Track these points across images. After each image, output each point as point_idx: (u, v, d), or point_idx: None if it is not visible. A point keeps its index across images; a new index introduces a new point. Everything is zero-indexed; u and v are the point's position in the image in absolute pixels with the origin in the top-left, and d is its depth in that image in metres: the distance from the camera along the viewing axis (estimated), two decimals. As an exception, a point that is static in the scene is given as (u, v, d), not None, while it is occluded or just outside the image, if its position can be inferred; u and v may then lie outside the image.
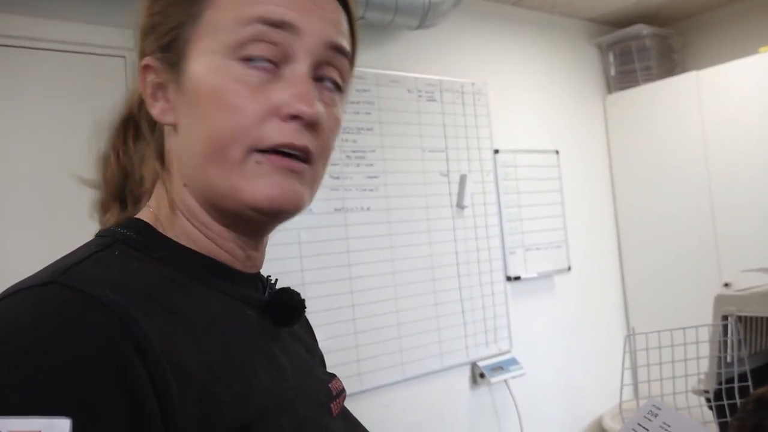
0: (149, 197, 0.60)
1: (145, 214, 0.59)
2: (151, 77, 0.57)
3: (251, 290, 0.61)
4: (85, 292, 0.45)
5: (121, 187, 0.63)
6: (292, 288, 0.65)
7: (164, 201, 0.58)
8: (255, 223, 0.58)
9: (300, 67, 0.54)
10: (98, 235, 0.57)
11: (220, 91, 0.52)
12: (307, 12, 0.54)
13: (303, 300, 0.65)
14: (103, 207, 0.63)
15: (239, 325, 0.56)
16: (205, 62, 0.54)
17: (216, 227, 0.58)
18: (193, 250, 0.57)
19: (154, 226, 0.57)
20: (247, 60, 0.53)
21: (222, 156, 0.53)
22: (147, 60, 0.57)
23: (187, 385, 0.46)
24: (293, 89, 0.53)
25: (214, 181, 0.54)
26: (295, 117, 0.53)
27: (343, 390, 0.69)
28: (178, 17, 0.56)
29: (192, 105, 0.54)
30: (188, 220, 0.58)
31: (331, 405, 0.63)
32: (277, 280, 0.69)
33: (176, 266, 0.55)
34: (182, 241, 0.57)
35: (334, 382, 0.68)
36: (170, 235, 0.57)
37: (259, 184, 0.53)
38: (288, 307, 0.63)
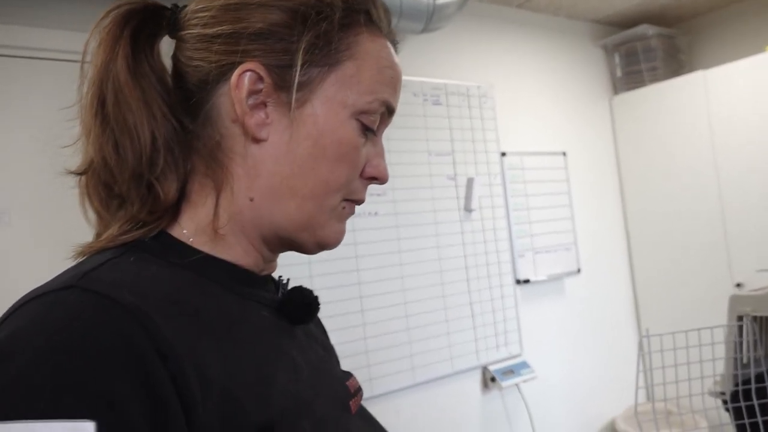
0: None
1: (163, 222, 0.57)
2: (253, 85, 0.56)
3: (266, 292, 0.62)
4: (105, 295, 0.45)
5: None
6: (304, 286, 0.66)
7: (204, 209, 0.57)
8: (301, 249, 0.61)
9: (380, 137, 0.63)
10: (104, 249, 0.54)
11: (346, 147, 0.58)
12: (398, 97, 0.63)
13: (316, 297, 0.65)
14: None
15: (257, 327, 0.57)
16: (335, 112, 0.57)
17: (257, 242, 0.59)
18: (213, 256, 0.57)
19: (170, 232, 0.57)
20: (364, 126, 0.59)
21: (326, 198, 0.58)
22: (255, 66, 0.55)
23: (209, 387, 0.46)
24: (381, 160, 0.62)
25: (305, 214, 0.58)
26: (375, 179, 0.62)
27: (360, 388, 0.69)
28: (317, 56, 0.56)
29: (311, 142, 0.57)
30: (230, 229, 0.58)
31: (350, 403, 0.64)
32: (288, 279, 0.69)
33: (194, 270, 0.55)
34: (205, 248, 0.57)
35: (351, 380, 0.68)
36: (193, 240, 0.57)
37: (335, 227, 0.61)
38: (302, 304, 0.64)
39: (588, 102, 3.28)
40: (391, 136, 2.44)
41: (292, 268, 2.12)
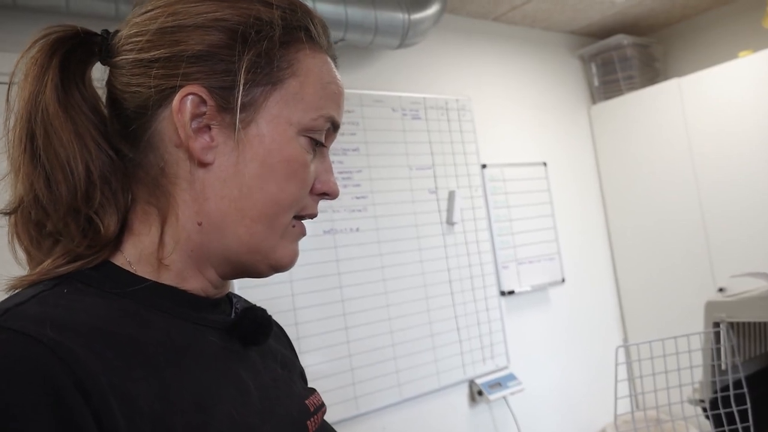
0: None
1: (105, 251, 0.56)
2: (196, 109, 0.55)
3: (216, 314, 0.61)
4: (24, 333, 0.44)
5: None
6: (257, 306, 0.65)
7: (149, 237, 0.56)
8: (254, 273, 0.60)
9: (328, 153, 0.63)
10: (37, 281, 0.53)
11: (294, 164, 0.57)
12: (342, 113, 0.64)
13: (270, 317, 0.65)
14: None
15: (202, 352, 0.55)
16: (281, 130, 0.57)
17: (205, 268, 0.58)
18: (157, 282, 0.56)
19: (112, 260, 0.56)
20: (312, 141, 0.59)
21: (276, 218, 0.58)
22: (197, 89, 0.55)
23: (138, 418, 0.46)
24: (330, 175, 0.62)
25: (255, 236, 0.57)
26: (325, 195, 0.62)
27: (322, 405, 0.68)
28: (259, 75, 0.56)
29: (258, 162, 0.56)
30: (177, 257, 0.56)
31: (307, 422, 0.62)
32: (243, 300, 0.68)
33: (134, 298, 0.53)
34: (149, 276, 0.56)
35: (312, 397, 0.67)
36: (137, 269, 0.56)
37: (288, 248, 0.60)
38: (254, 325, 0.62)
39: (567, 112, 3.31)
40: (371, 152, 2.44)
41: (274, 287, 2.11)
